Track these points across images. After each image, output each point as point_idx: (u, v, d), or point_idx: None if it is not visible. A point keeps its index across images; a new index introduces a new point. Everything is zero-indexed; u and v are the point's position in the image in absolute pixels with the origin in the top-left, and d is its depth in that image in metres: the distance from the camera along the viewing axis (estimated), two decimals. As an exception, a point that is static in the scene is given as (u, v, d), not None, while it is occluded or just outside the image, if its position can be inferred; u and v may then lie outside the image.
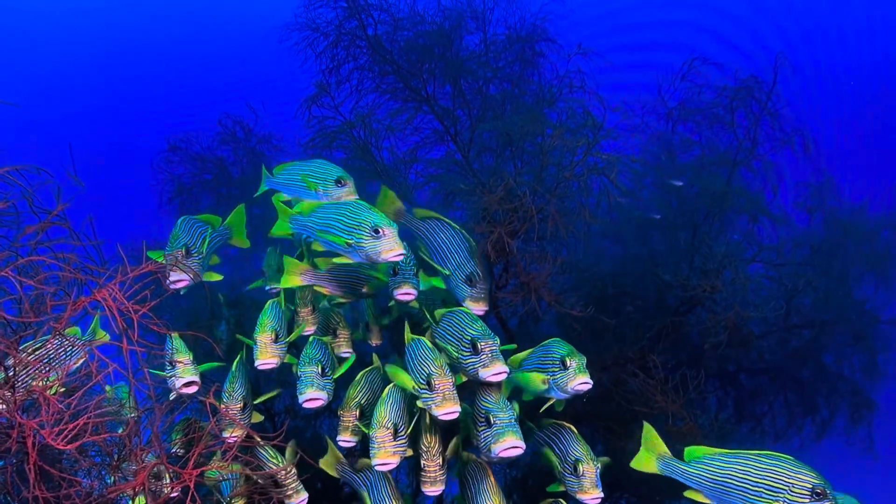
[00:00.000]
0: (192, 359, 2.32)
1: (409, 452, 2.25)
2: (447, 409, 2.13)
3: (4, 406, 1.68)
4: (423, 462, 2.24)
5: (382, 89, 3.01)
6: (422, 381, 2.20)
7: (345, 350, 2.62)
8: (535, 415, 2.53)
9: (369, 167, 2.98)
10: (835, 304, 3.40)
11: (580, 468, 2.29)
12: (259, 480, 2.29)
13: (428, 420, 2.27)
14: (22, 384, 1.75)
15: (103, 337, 2.23)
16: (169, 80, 9.19)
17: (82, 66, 9.46)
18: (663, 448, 2.30)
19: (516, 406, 2.36)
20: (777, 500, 2.00)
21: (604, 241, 3.41)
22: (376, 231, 2.21)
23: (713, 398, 3.45)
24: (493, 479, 2.34)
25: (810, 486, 1.97)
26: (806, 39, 8.24)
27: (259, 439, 2.41)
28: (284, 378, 2.78)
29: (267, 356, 2.35)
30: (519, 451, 2.17)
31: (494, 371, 2.21)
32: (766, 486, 2.02)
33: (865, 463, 3.58)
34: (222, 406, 2.36)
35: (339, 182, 2.46)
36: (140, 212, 3.52)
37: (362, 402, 2.42)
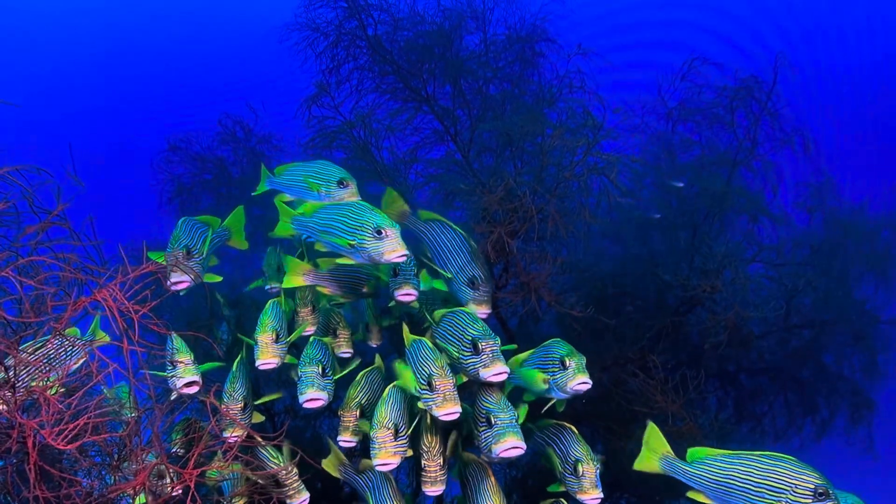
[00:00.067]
0: (192, 359, 2.32)
1: (410, 453, 2.25)
2: (448, 409, 2.13)
3: (5, 406, 1.68)
4: (423, 462, 2.24)
5: (382, 89, 3.01)
6: (423, 381, 2.20)
7: (345, 350, 2.62)
8: (535, 415, 2.53)
9: (369, 167, 2.98)
10: (835, 304, 3.40)
11: (580, 468, 2.29)
12: (259, 481, 2.29)
13: (429, 420, 2.27)
14: (22, 384, 1.75)
15: (103, 338, 2.23)
16: (169, 80, 9.19)
17: (82, 66, 9.47)
18: (667, 448, 2.30)
19: (524, 409, 2.36)
20: (779, 501, 1.99)
21: (604, 241, 3.40)
22: (379, 232, 2.21)
23: (713, 398, 3.45)
24: (493, 479, 2.34)
25: (813, 487, 1.97)
26: (806, 39, 8.26)
27: (260, 439, 2.41)
28: (286, 378, 2.78)
29: (268, 356, 2.35)
30: (520, 452, 2.17)
31: (495, 371, 2.21)
32: (768, 487, 2.02)
33: (865, 463, 3.58)
34: (223, 406, 2.36)
35: (341, 183, 2.46)
36: (140, 212, 3.52)
37: (363, 402, 2.42)
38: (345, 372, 2.51)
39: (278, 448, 2.45)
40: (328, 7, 2.89)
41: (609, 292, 3.19)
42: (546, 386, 2.36)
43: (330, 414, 3.05)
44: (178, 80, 9.02)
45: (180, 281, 2.33)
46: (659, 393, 2.75)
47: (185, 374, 2.27)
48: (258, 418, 2.53)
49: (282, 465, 2.36)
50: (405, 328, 2.43)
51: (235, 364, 2.49)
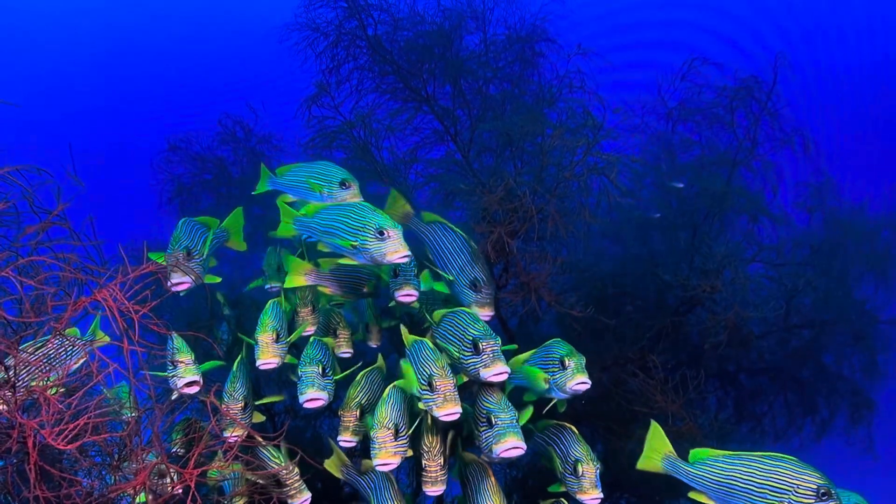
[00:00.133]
0: (193, 358, 2.32)
1: (410, 453, 2.25)
2: (448, 410, 2.13)
3: (5, 406, 1.68)
4: (424, 462, 2.24)
5: (382, 89, 3.01)
6: (423, 381, 2.20)
7: (345, 350, 2.62)
8: (536, 415, 2.53)
9: (369, 167, 2.98)
10: (835, 304, 3.40)
11: (580, 468, 2.30)
12: (260, 480, 2.29)
13: (429, 420, 2.27)
14: (22, 384, 1.75)
15: (103, 338, 2.23)
16: (169, 80, 9.19)
17: (82, 66, 9.47)
18: (669, 448, 2.29)
19: (529, 411, 2.36)
20: (781, 502, 1.99)
21: (604, 241, 3.40)
22: (381, 233, 2.21)
23: (713, 398, 3.45)
24: (493, 479, 2.34)
25: (815, 487, 1.97)
26: (806, 39, 8.26)
27: (260, 439, 2.41)
28: (286, 378, 2.78)
29: (268, 356, 2.35)
30: (520, 452, 2.17)
31: (496, 371, 2.21)
32: (770, 487, 2.02)
33: (865, 463, 3.58)
34: (223, 406, 2.36)
35: (343, 184, 2.46)
36: (140, 212, 3.52)
37: (363, 402, 2.42)
38: (346, 373, 2.51)
39: (278, 448, 2.45)
40: (328, 7, 2.89)
41: (609, 292, 3.19)
42: (547, 385, 2.36)
43: (330, 414, 3.05)
44: (178, 80, 9.03)
45: (181, 282, 2.34)
46: (659, 393, 2.74)
47: (186, 374, 2.27)
48: (259, 418, 2.53)
49: (283, 464, 2.36)
50: (404, 330, 2.43)
51: (236, 364, 2.49)
